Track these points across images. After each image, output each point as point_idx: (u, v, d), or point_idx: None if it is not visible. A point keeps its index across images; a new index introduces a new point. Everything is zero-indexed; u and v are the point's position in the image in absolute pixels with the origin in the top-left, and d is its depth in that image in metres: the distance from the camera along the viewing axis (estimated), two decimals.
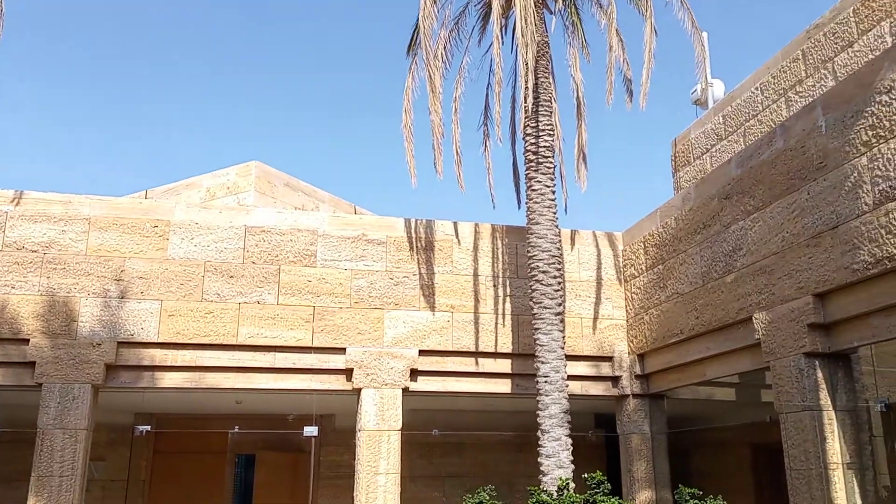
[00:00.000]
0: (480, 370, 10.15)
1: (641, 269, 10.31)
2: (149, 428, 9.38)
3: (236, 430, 10.54)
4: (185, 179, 13.05)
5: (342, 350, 9.63)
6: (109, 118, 37.34)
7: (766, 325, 7.71)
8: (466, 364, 10.10)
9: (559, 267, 9.30)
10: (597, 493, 7.85)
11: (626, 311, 10.65)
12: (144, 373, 9.09)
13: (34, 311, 8.73)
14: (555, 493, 8.00)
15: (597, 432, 12.51)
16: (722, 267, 8.52)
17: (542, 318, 9.05)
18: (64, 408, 8.53)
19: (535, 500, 7.85)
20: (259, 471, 11.84)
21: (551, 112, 9.51)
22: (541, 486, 8.30)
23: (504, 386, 10.26)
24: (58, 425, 8.48)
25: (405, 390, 9.69)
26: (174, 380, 9.16)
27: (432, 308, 10.04)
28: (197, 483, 11.70)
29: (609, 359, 10.53)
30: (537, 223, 9.29)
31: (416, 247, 10.14)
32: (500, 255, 10.47)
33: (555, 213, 9.38)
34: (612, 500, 7.71)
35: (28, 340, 8.63)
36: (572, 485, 8.15)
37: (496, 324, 10.23)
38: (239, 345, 9.29)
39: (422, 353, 9.88)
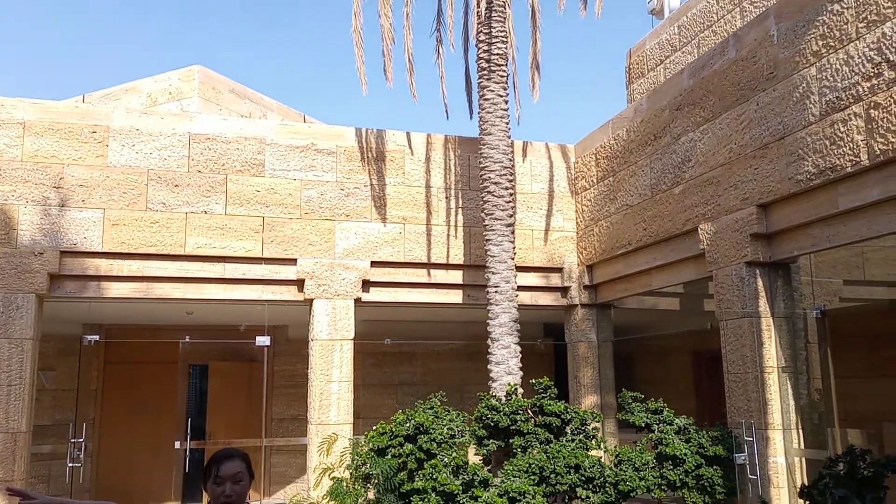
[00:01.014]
0: (432, 281, 10.24)
1: (592, 181, 10.38)
2: (97, 338, 9.28)
3: (187, 340, 10.52)
4: (124, 84, 12.50)
5: (293, 261, 9.58)
6: (46, 19, 35.29)
7: (711, 235, 7.89)
8: (418, 275, 10.17)
9: (511, 178, 9.30)
10: (544, 397, 8.14)
11: (577, 223, 10.77)
12: (90, 283, 8.93)
13: None
14: (503, 398, 8.27)
15: (545, 341, 12.85)
16: (671, 179, 8.62)
17: (494, 230, 9.10)
18: (8, 317, 8.37)
19: (484, 404, 8.11)
20: (213, 381, 11.93)
21: (505, 18, 9.28)
22: (490, 392, 8.56)
23: (455, 296, 10.39)
24: (3, 335, 8.34)
25: (357, 301, 9.75)
26: (121, 290, 9.03)
27: (384, 219, 10.00)
28: (150, 392, 11.74)
29: (559, 270, 10.72)
30: (489, 133, 9.21)
31: (368, 157, 10.00)
32: (452, 167, 10.41)
33: (507, 124, 9.30)
34: (559, 403, 8.02)
35: None
36: (521, 390, 8.42)
37: (448, 235, 10.26)
38: (188, 255, 9.16)
39: (374, 264, 9.90)
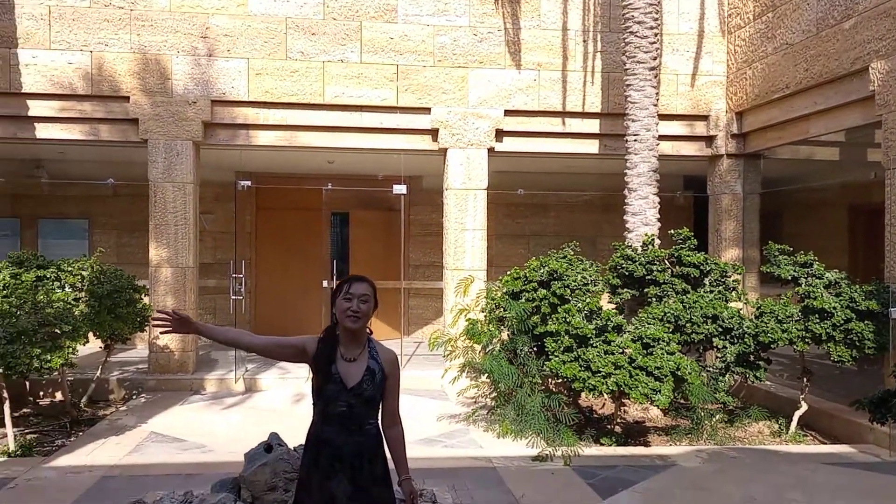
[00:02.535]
0: (567, 130, 9.98)
1: (748, 17, 9.47)
2: (249, 183, 9.87)
3: (329, 186, 10.99)
4: None
5: (427, 110, 9.59)
6: None
7: (884, 75, 7.08)
8: (553, 124, 9.93)
9: (656, 17, 8.65)
10: (682, 247, 7.96)
11: (728, 65, 9.98)
12: (239, 131, 9.41)
13: (130, 69, 8.96)
14: (639, 248, 8.16)
15: (685, 193, 12.40)
16: (840, 12, 7.70)
17: (635, 74, 8.62)
18: (170, 163, 9.05)
19: (619, 254, 8.05)
20: (353, 228, 12.51)
21: None
22: (625, 243, 8.46)
23: (591, 146, 10.12)
24: (167, 179, 9.07)
25: (490, 150, 9.71)
26: (268, 138, 9.46)
27: (518, 66, 9.70)
28: (297, 237, 12.54)
29: (704, 118, 10.11)
30: None
31: None
32: (591, 6, 9.79)
33: None
34: (698, 254, 7.82)
35: (129, 98, 8.98)
36: (657, 241, 8.26)
37: (585, 82, 9.85)
38: (326, 104, 9.38)
39: (507, 113, 9.74)
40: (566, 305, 7.04)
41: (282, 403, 8.49)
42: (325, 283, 10.49)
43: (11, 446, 6.37)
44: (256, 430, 6.63)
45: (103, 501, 5.12)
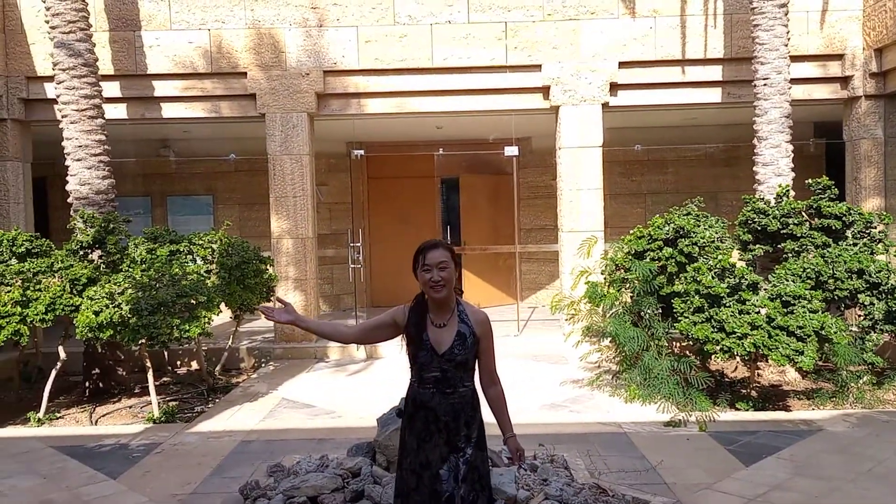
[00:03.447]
0: (686, 79, 9.43)
1: None
2: (362, 152, 9.97)
3: (440, 151, 10.93)
4: None
5: (537, 67, 9.31)
6: None
7: None
8: (671, 74, 9.41)
9: None
10: (821, 198, 7.39)
11: None
12: (351, 100, 9.47)
13: (246, 45, 9.17)
14: (772, 201, 7.64)
15: (816, 140, 11.54)
16: None
17: (763, 12, 7.99)
18: (287, 135, 9.24)
19: (750, 208, 7.57)
20: (463, 193, 12.42)
21: None
22: (756, 196, 7.94)
23: (713, 95, 9.52)
24: (284, 151, 9.27)
25: (605, 106, 9.34)
26: (379, 106, 9.47)
27: (632, 13, 9.22)
28: (409, 205, 12.59)
29: (839, 57, 9.29)
30: None
31: None
32: None
33: None
34: (839, 204, 7.24)
35: (246, 73, 9.20)
36: (792, 193, 7.71)
37: (705, 26, 9.25)
38: (435, 68, 9.26)
39: (622, 65, 9.30)
40: (695, 264, 6.69)
41: (403, 370, 8.59)
42: None
43: (156, 413, 6.75)
44: (382, 395, 6.73)
45: (244, 465, 5.33)
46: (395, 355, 9.21)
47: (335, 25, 9.16)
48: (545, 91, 9.40)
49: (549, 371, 8.23)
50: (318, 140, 10.23)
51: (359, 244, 9.54)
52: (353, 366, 8.86)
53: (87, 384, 7.76)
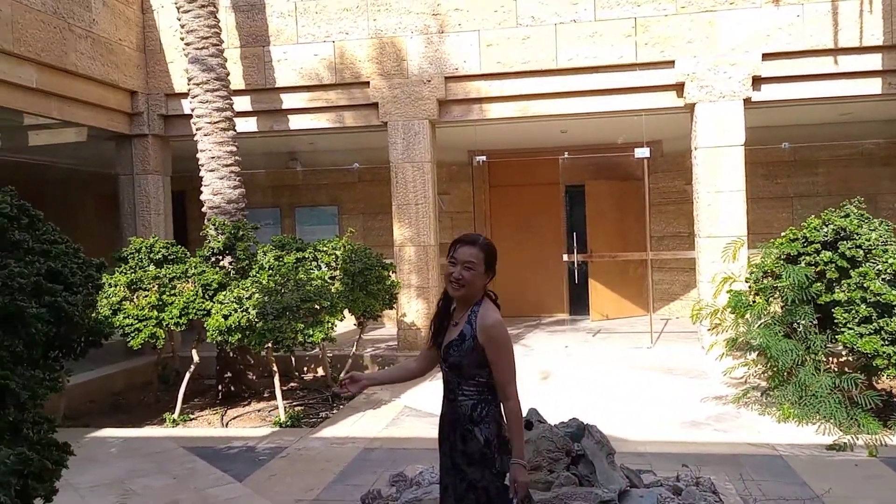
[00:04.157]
0: (839, 70, 8.57)
1: None
2: (485, 158, 9.76)
3: (566, 156, 10.54)
4: None
5: (670, 63, 8.75)
6: None
7: None
8: (821, 64, 8.58)
9: None
10: None
11: None
12: (473, 106, 9.29)
13: (368, 55, 9.21)
14: None
15: None
16: None
17: None
18: (409, 143, 9.18)
19: None
20: (589, 200, 11.93)
21: None
22: None
23: (872, 86, 8.59)
24: (406, 159, 9.22)
25: (746, 101, 8.63)
26: (501, 111, 9.23)
27: (776, 1, 8.49)
28: (532, 213, 12.24)
29: None
30: None
31: None
32: None
33: None
34: None
35: (368, 83, 9.23)
36: None
37: (861, 11, 8.38)
38: (560, 69, 8.92)
39: (765, 56, 8.58)
40: (860, 269, 5.94)
41: (528, 381, 8.24)
42: (564, 257, 10.10)
43: (282, 417, 6.76)
44: None
45: (367, 472, 5.18)
46: (519, 366, 8.86)
47: (456, 31, 9.02)
48: (679, 88, 8.83)
49: (687, 385, 7.61)
50: (440, 149, 10.12)
51: None
52: None
53: (219, 387, 7.95)
